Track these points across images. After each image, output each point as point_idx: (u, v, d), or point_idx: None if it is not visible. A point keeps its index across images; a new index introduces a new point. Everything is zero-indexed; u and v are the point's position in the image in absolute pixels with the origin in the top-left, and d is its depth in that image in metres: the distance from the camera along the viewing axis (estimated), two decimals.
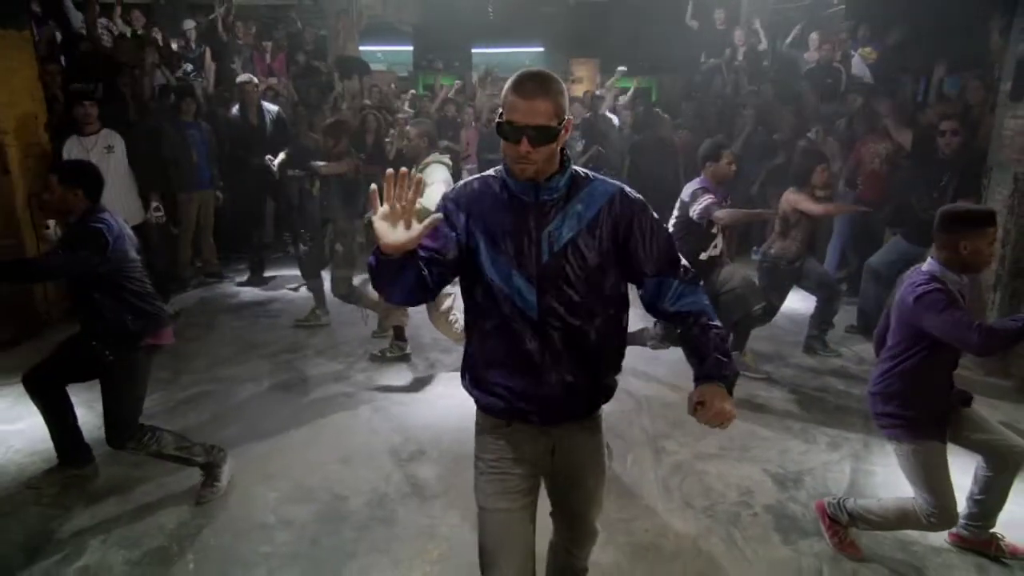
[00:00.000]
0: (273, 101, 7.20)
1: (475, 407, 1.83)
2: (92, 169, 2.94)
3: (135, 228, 5.11)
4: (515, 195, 1.64)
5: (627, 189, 1.70)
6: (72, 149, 4.99)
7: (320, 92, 7.96)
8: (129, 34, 7.57)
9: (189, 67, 7.77)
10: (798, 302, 6.04)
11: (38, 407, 3.03)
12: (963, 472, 2.83)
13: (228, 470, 3.12)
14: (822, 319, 4.79)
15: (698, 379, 1.62)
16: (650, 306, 1.73)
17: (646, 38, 10.37)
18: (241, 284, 6.49)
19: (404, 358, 4.65)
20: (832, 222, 6.06)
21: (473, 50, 12.63)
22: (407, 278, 1.54)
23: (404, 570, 2.62)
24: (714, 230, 4.05)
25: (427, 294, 1.61)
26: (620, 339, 1.80)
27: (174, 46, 7.87)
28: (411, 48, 12.85)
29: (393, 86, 8.54)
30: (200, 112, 6.35)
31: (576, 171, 1.69)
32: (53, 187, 2.83)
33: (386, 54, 13.36)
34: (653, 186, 6.25)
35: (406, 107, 8.28)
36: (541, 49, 13.85)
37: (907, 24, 7.04)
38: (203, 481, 3.05)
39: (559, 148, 1.60)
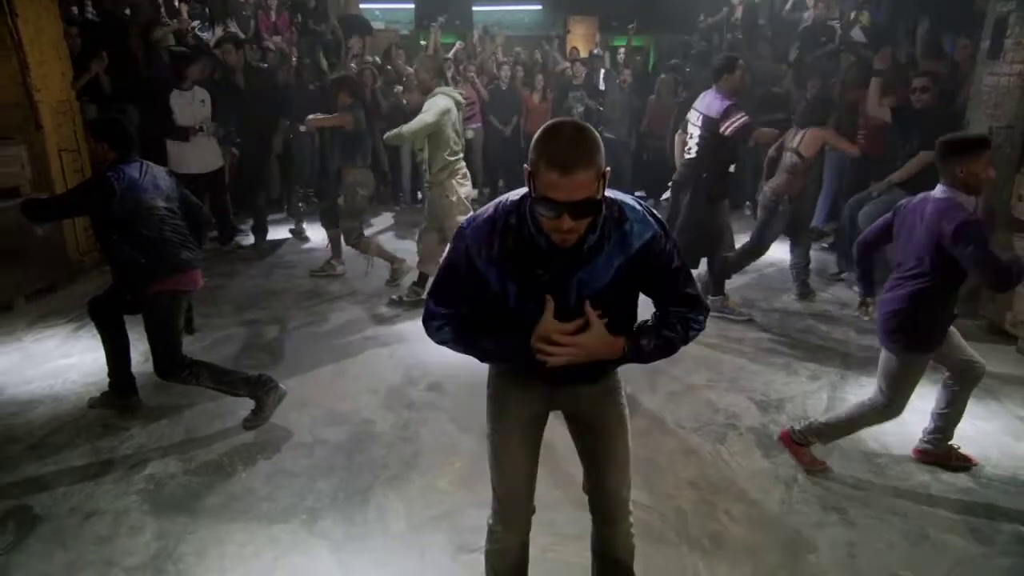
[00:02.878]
0: (279, 59, 7.39)
1: None
2: (118, 125, 3.18)
3: (213, 173, 5.85)
4: (540, 237, 1.57)
5: (662, 233, 1.62)
6: (176, 101, 5.60)
7: (325, 51, 8.11)
8: None
9: (196, 23, 7.90)
10: (787, 253, 6.37)
11: (99, 333, 3.38)
12: (927, 398, 3.21)
13: (274, 402, 3.37)
14: (802, 263, 5.12)
15: (633, 330, 1.69)
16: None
17: None
18: (243, 247, 6.57)
19: (421, 303, 4.95)
20: (822, 175, 6.34)
21: (474, 8, 12.66)
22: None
23: (430, 479, 2.98)
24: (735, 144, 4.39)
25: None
26: (629, 323, 1.76)
27: (176, 2, 7.98)
28: (411, 6, 12.87)
29: (402, 52, 8.61)
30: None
31: (609, 210, 1.59)
32: (88, 142, 3.18)
33: (385, 12, 13.36)
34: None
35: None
36: (540, 7, 13.87)
37: None
38: (253, 409, 3.36)
39: None
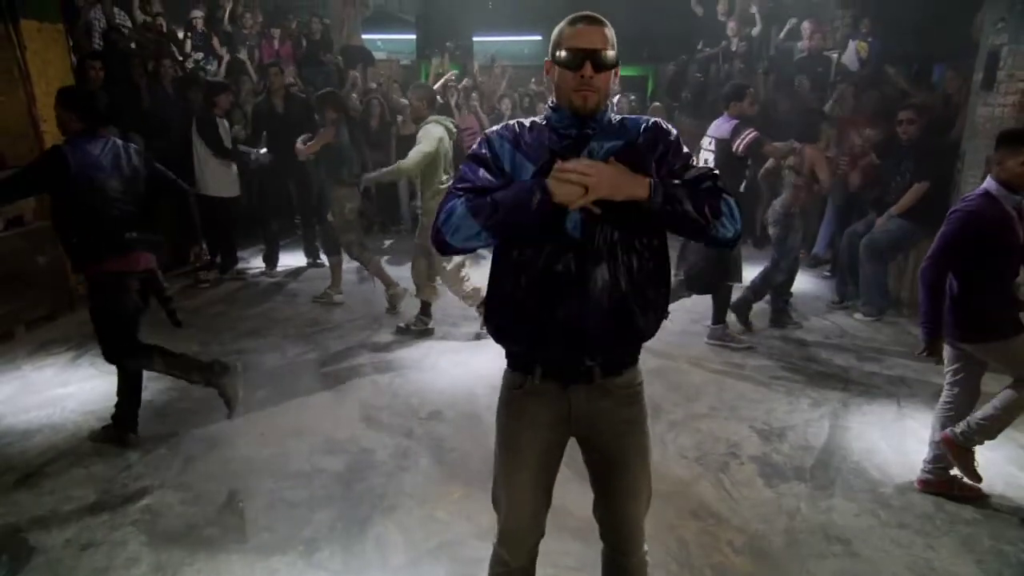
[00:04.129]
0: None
1: (493, 371, 1.92)
2: (89, 96, 3.19)
3: (230, 200, 6.04)
4: (558, 131, 1.67)
5: (662, 121, 1.72)
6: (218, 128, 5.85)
7: (325, 78, 8.23)
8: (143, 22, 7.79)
9: (199, 56, 8.04)
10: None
11: (118, 370, 3.37)
12: (928, 426, 3.19)
13: (234, 384, 3.33)
14: (772, 289, 5.06)
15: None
16: None
17: (645, 26, 10.59)
18: (257, 274, 6.69)
19: (427, 332, 4.96)
20: (825, 206, 6.39)
21: (474, 38, 12.86)
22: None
23: (429, 509, 2.95)
24: (749, 162, 4.48)
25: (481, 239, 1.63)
26: (660, 278, 1.72)
27: (180, 35, 8.12)
28: (412, 37, 13.08)
29: (396, 83, 8.76)
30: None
31: (613, 114, 1.72)
32: (56, 108, 3.13)
33: (387, 43, 13.58)
34: None
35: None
36: (540, 37, 14.08)
37: (897, 15, 7.30)
38: (223, 400, 3.34)
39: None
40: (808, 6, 8.97)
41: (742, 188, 4.61)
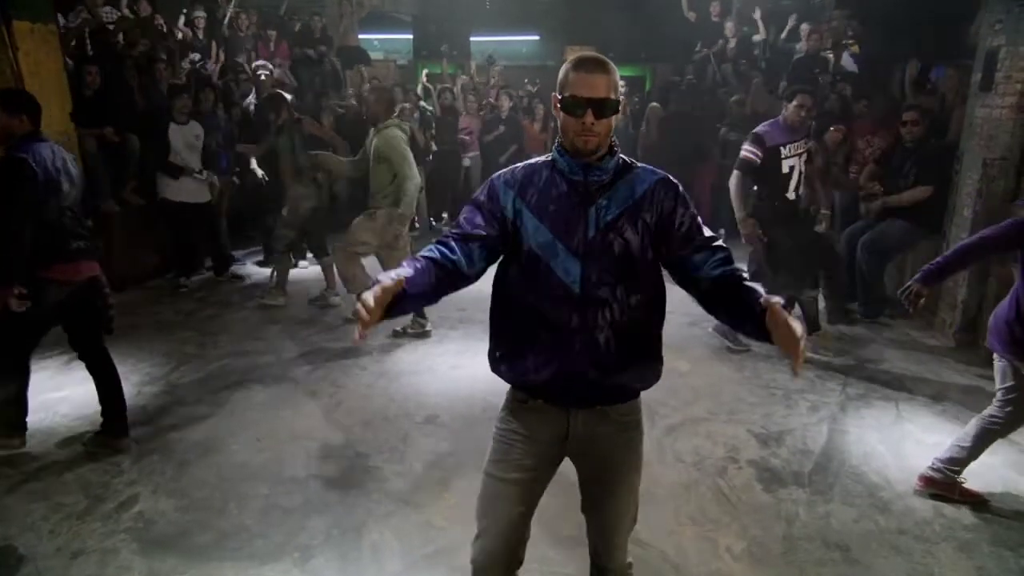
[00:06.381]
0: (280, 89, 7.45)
1: (491, 374, 1.85)
2: (31, 97, 3.06)
3: (202, 205, 5.93)
4: (565, 175, 1.69)
5: (670, 177, 1.75)
6: (175, 134, 5.74)
7: (322, 79, 8.20)
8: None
9: (196, 56, 7.99)
10: None
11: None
12: (929, 430, 3.17)
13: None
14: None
15: (759, 312, 1.55)
16: (691, 278, 1.71)
17: (642, 26, 10.59)
18: (259, 264, 6.82)
19: (423, 335, 4.93)
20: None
21: (472, 38, 12.84)
22: (427, 293, 1.63)
23: (426, 515, 2.92)
24: (785, 170, 4.32)
25: (462, 278, 1.69)
26: (656, 328, 1.78)
27: (179, 35, 8.08)
28: (409, 37, 13.05)
29: (397, 88, 8.76)
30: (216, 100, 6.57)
31: (623, 158, 1.74)
32: (2, 115, 2.94)
33: (383, 43, 13.54)
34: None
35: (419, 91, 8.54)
36: (537, 37, 14.06)
37: (893, 15, 7.30)
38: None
39: (614, 129, 1.69)
40: (808, 8, 8.97)
41: (776, 202, 4.43)
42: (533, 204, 1.70)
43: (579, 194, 1.68)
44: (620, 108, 1.68)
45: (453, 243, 1.70)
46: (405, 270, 1.58)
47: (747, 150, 4.33)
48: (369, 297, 1.45)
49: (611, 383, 1.72)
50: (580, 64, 1.64)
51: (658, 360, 1.80)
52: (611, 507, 1.85)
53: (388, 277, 1.51)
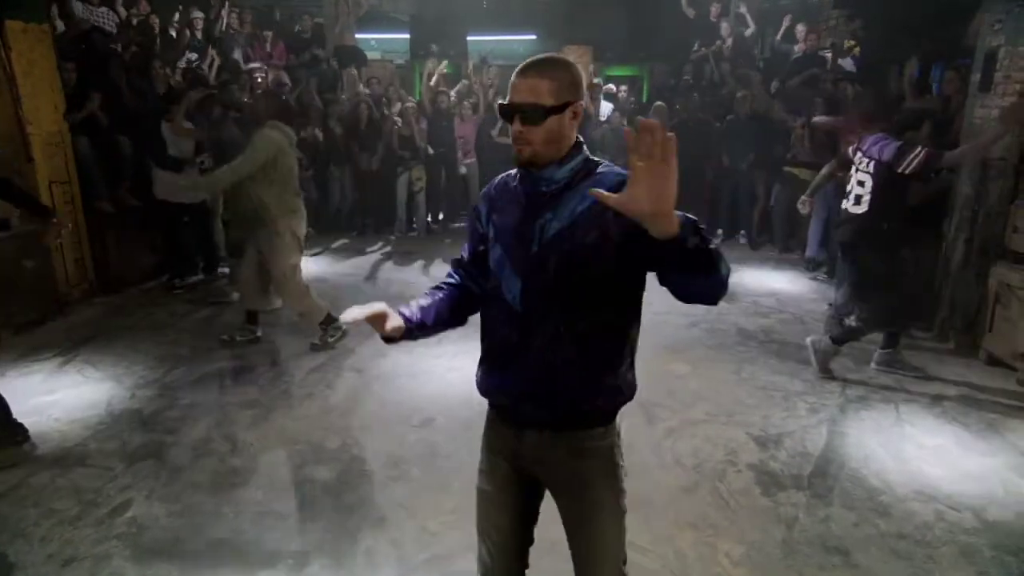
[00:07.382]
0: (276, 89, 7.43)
1: None
2: None
3: (197, 205, 5.98)
4: (520, 187, 1.63)
5: None
6: (167, 133, 5.82)
7: (321, 82, 8.17)
8: (135, 23, 7.71)
9: (193, 56, 7.96)
10: (785, 283, 6.35)
11: None
12: (929, 432, 3.15)
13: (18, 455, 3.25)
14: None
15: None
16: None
17: (640, 26, 10.56)
18: None
19: (254, 341, 4.78)
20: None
21: (468, 38, 12.80)
22: (448, 318, 1.74)
23: (421, 520, 2.89)
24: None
25: (479, 300, 1.75)
26: (615, 346, 1.61)
27: (173, 34, 8.04)
28: (406, 36, 13.02)
29: (391, 87, 8.72)
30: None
31: (588, 162, 1.58)
32: None
33: (380, 42, 13.50)
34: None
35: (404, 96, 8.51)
36: (534, 36, 14.03)
37: (891, 15, 7.28)
38: None
39: (563, 134, 1.54)
40: (804, 8, 8.96)
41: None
42: (496, 219, 1.67)
43: (530, 206, 1.58)
44: (562, 114, 1.52)
45: (462, 269, 1.79)
46: (413, 305, 1.71)
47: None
48: (355, 312, 1.56)
49: (558, 405, 1.61)
50: (520, 68, 1.55)
51: (619, 381, 1.62)
52: (581, 545, 1.71)
53: (393, 322, 1.62)
